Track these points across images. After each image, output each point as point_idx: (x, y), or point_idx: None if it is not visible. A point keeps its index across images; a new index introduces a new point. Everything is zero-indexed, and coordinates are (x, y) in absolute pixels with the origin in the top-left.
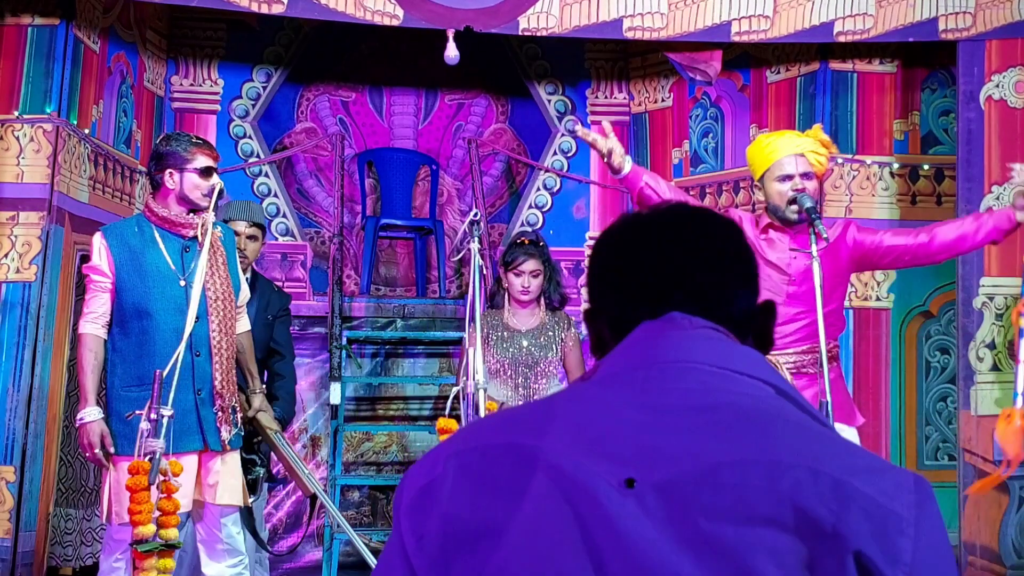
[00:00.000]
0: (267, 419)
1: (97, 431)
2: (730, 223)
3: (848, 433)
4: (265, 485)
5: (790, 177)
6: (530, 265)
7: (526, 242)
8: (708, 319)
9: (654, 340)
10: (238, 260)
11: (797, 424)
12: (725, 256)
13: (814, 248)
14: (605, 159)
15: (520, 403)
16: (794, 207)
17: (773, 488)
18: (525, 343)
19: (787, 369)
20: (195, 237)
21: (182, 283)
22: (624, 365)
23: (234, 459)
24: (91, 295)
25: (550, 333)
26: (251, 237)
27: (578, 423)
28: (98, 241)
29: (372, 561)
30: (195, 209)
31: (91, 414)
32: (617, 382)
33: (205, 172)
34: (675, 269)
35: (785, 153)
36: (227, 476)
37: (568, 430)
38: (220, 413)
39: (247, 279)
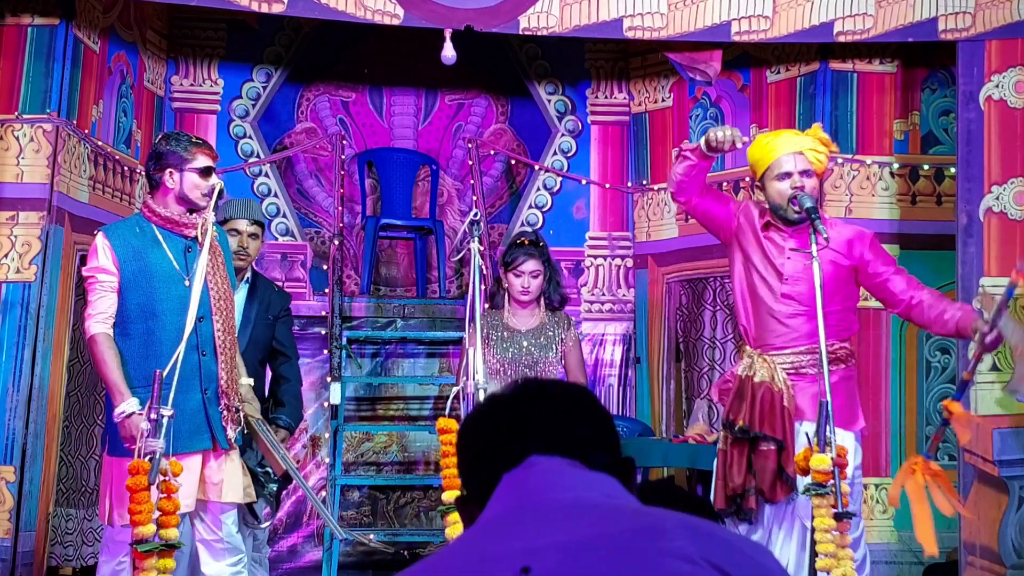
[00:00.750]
0: (250, 408)
1: (141, 422)
2: (584, 392)
3: (845, 437)
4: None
5: (789, 175)
6: (530, 265)
7: (526, 242)
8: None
9: (520, 482)
10: (238, 259)
11: (662, 511)
12: (578, 423)
13: (814, 248)
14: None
15: None
16: (795, 206)
17: (661, 538)
18: (525, 343)
19: (783, 369)
20: (196, 237)
21: (187, 283)
22: (497, 507)
23: (237, 456)
24: (97, 295)
25: (550, 333)
26: (252, 235)
27: (470, 548)
28: (101, 241)
29: (335, 527)
30: (194, 209)
31: (131, 405)
32: (495, 518)
33: (205, 172)
34: (532, 432)
35: (784, 152)
36: (231, 474)
37: (463, 554)
38: (226, 412)
39: (248, 279)
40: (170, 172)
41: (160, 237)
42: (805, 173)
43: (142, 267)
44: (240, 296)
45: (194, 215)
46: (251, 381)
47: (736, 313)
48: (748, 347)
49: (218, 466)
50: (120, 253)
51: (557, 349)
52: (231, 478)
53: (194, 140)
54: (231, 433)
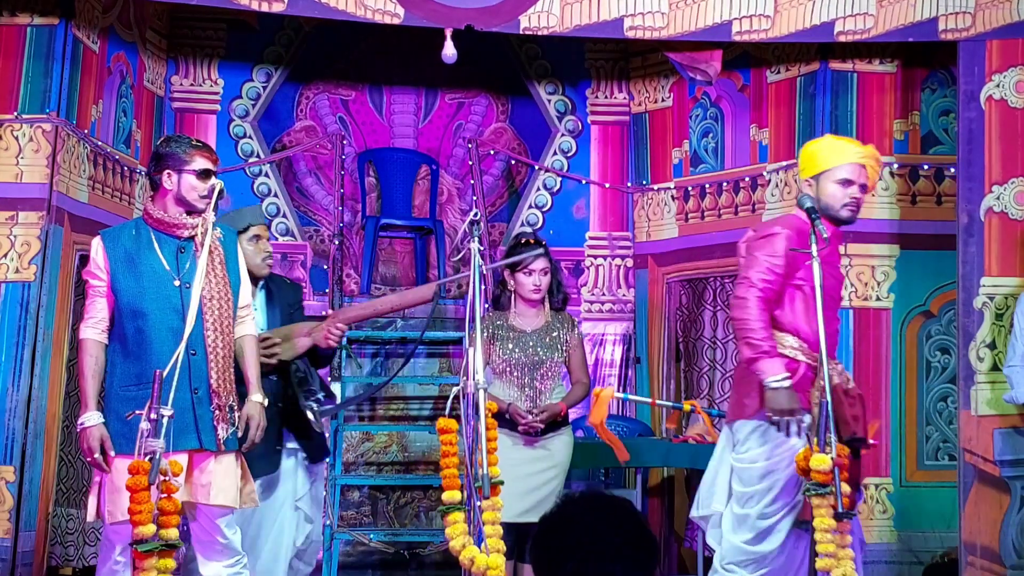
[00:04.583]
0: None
1: (97, 435)
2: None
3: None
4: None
5: (850, 183)
6: (540, 263)
7: (532, 242)
8: None
9: None
10: (266, 265)
11: None
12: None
13: (814, 248)
14: None
15: (526, 403)
16: (846, 211)
17: None
18: (531, 343)
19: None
20: (190, 238)
21: (176, 283)
22: None
23: (229, 460)
24: (90, 299)
25: (555, 333)
26: (267, 239)
27: None
28: (96, 244)
29: None
30: (192, 211)
31: (91, 419)
32: None
33: (203, 175)
34: None
35: (852, 160)
36: (220, 477)
37: None
38: (217, 412)
39: (261, 283)
40: (168, 173)
41: (153, 239)
42: (862, 187)
43: (132, 268)
44: (259, 302)
45: (191, 216)
46: (264, 400)
47: (795, 327)
48: (803, 356)
49: (206, 468)
50: (112, 255)
51: (563, 350)
52: (221, 480)
53: (194, 143)
54: (222, 433)
